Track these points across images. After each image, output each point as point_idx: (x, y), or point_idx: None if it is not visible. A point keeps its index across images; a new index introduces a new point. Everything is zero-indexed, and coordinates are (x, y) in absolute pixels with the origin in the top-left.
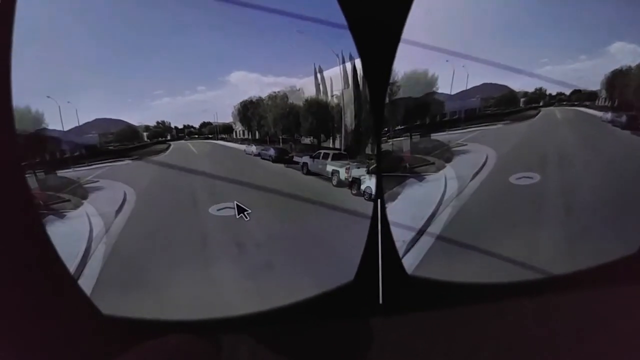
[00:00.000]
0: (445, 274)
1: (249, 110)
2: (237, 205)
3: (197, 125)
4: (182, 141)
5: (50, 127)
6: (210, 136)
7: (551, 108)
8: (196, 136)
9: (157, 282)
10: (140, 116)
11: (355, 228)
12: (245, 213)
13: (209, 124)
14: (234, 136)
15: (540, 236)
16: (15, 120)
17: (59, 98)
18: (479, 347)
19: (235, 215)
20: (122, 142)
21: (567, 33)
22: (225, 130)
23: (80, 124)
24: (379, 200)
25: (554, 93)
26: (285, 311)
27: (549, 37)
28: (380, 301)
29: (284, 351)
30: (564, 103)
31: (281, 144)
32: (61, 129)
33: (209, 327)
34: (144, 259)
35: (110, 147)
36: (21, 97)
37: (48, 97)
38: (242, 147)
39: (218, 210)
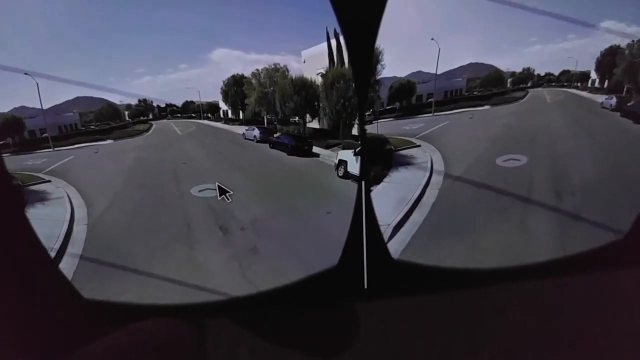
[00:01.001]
0: (432, 258)
1: (232, 89)
2: (218, 186)
3: (179, 104)
4: (165, 120)
5: (29, 105)
6: (193, 115)
7: (539, 89)
8: (179, 115)
9: (139, 265)
10: (122, 95)
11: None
12: (227, 195)
13: (192, 102)
14: (221, 115)
15: (529, 221)
16: None
17: (37, 75)
18: (466, 333)
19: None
20: (103, 122)
21: (555, 11)
22: (210, 110)
23: (61, 102)
24: (362, 183)
25: (542, 73)
26: (268, 295)
27: (537, 15)
28: (365, 286)
29: (266, 336)
30: (553, 84)
31: (265, 124)
32: (40, 107)
33: (191, 311)
34: (126, 242)
35: (91, 126)
36: None
37: (26, 74)
38: (230, 127)
39: (199, 191)
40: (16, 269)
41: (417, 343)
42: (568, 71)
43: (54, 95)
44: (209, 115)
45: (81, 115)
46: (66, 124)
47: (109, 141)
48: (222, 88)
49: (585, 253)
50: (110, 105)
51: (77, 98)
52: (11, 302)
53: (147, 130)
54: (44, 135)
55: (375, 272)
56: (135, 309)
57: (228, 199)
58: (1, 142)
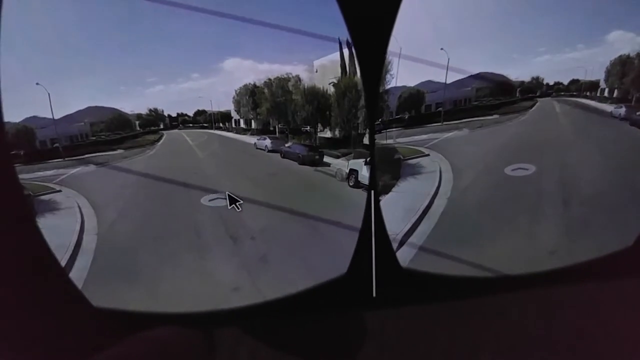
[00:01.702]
0: (440, 267)
1: (244, 98)
2: (228, 195)
3: (191, 114)
4: (176, 130)
5: (40, 115)
6: (205, 125)
7: (548, 99)
8: (190, 125)
9: (149, 274)
10: (133, 104)
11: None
12: (237, 204)
13: (204, 112)
14: (233, 125)
15: (536, 229)
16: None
17: (49, 86)
18: (474, 342)
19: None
20: (113, 131)
21: (565, 20)
22: (222, 119)
23: (72, 111)
24: (372, 192)
25: (551, 82)
26: (277, 304)
27: (547, 24)
28: (374, 294)
29: (276, 345)
30: (562, 93)
31: (277, 133)
32: (51, 117)
33: (200, 320)
34: (135, 251)
35: (102, 136)
36: (9, 84)
37: (37, 84)
38: (242, 137)
39: (210, 200)
40: (26, 277)
41: (424, 351)
42: (577, 80)
43: (65, 105)
44: (221, 124)
45: (92, 125)
46: (77, 134)
47: (119, 151)
48: (234, 97)
49: (590, 261)
50: (122, 115)
51: (88, 108)
52: (21, 311)
53: (158, 140)
54: (54, 145)
55: (383, 281)
56: (144, 317)
57: (238, 208)
58: (13, 152)
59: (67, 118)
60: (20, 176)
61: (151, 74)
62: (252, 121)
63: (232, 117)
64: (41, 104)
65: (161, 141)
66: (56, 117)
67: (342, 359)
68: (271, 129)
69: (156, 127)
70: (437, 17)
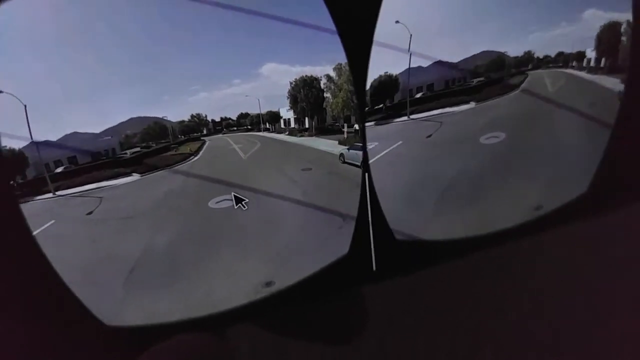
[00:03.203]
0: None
1: (301, 92)
2: (234, 196)
3: (234, 117)
4: (220, 135)
5: (81, 130)
6: (249, 127)
7: (539, 71)
8: (234, 128)
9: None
10: (177, 112)
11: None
12: (243, 202)
13: (247, 114)
14: (282, 125)
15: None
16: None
17: (92, 99)
18: (474, 342)
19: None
20: (147, 142)
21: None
22: (270, 119)
23: (115, 124)
24: (366, 174)
25: (541, 56)
26: (285, 294)
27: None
28: (374, 268)
29: (285, 333)
30: (550, 65)
31: (313, 130)
32: (94, 131)
33: (210, 322)
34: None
35: (137, 147)
36: (50, 100)
37: (79, 100)
38: (302, 141)
39: (216, 202)
40: (29, 299)
41: (427, 318)
42: (563, 52)
43: (108, 118)
44: (268, 126)
45: (127, 137)
46: (101, 149)
47: (134, 176)
48: (289, 91)
49: (557, 209)
50: (157, 122)
51: (131, 119)
52: (26, 336)
53: (197, 152)
54: (57, 170)
55: (381, 255)
56: (155, 330)
57: (244, 207)
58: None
59: (110, 131)
60: None
61: (195, 83)
62: (307, 119)
63: (280, 117)
64: (84, 119)
65: (199, 154)
66: (98, 130)
67: (349, 338)
68: (334, 126)
69: (198, 134)
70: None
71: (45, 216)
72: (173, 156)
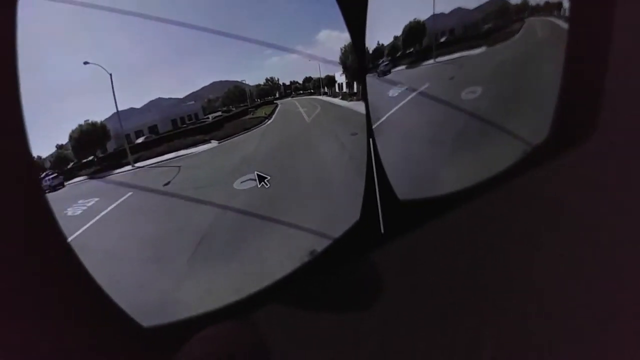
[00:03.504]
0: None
1: (349, 58)
2: (257, 175)
3: (300, 81)
4: (289, 99)
5: (166, 96)
6: (312, 90)
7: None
8: (301, 92)
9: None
10: (253, 76)
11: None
12: (265, 180)
13: (311, 78)
14: (337, 89)
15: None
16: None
17: (175, 64)
18: (474, 342)
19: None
20: (228, 105)
21: None
22: (328, 83)
23: (198, 88)
24: (370, 140)
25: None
26: (307, 268)
27: None
28: (382, 231)
29: (309, 306)
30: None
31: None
32: (178, 96)
33: (237, 309)
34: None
35: (219, 112)
36: (134, 68)
37: (163, 66)
38: (352, 105)
39: (242, 182)
40: (63, 306)
41: (437, 273)
42: None
43: (191, 83)
44: (326, 90)
45: (210, 101)
46: (184, 115)
47: (212, 143)
48: (340, 57)
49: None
50: (237, 86)
51: (213, 83)
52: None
53: (270, 116)
54: (137, 140)
55: (388, 217)
56: (187, 324)
57: (267, 184)
58: (85, 161)
59: (193, 95)
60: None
61: (266, 47)
62: (354, 84)
63: (335, 81)
64: (167, 86)
65: (272, 118)
66: (182, 95)
67: (368, 302)
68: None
69: (272, 97)
70: None
71: (122, 189)
72: (250, 120)
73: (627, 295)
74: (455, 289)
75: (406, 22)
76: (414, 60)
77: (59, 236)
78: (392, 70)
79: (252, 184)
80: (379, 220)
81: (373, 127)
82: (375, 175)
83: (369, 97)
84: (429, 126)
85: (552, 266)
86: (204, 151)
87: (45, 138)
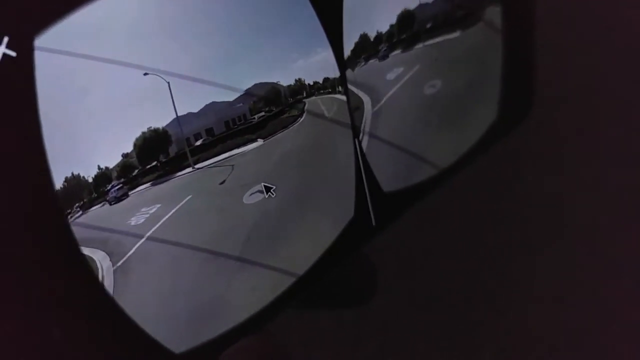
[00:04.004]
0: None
1: None
2: (264, 186)
3: (321, 81)
4: (313, 97)
5: (218, 99)
6: (330, 90)
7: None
8: (322, 91)
9: None
10: (285, 77)
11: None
12: (272, 190)
13: (328, 79)
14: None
15: None
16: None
17: (221, 69)
18: (474, 342)
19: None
20: (269, 105)
21: None
22: (341, 83)
23: (243, 92)
24: (356, 140)
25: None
26: (311, 273)
27: None
28: (374, 223)
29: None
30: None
31: None
32: (227, 99)
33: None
34: None
35: (254, 118)
36: (186, 75)
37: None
38: None
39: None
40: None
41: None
42: None
43: (237, 86)
44: (340, 89)
45: (254, 103)
46: (235, 116)
47: (259, 142)
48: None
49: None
50: (274, 87)
51: (255, 85)
52: None
53: (301, 114)
54: (197, 143)
55: (376, 210)
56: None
57: (273, 194)
58: (148, 167)
59: (239, 98)
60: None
61: (294, 51)
62: None
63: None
64: (218, 89)
65: (303, 116)
66: (232, 99)
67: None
68: None
69: (300, 97)
70: None
71: (183, 192)
72: (287, 118)
73: (627, 296)
74: (455, 290)
75: (398, 12)
76: (407, 45)
77: (84, 265)
78: (130, 193)
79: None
80: (370, 214)
81: (374, 109)
82: (362, 170)
83: (373, 82)
84: (418, 108)
85: (552, 266)
86: (252, 149)
87: (111, 149)
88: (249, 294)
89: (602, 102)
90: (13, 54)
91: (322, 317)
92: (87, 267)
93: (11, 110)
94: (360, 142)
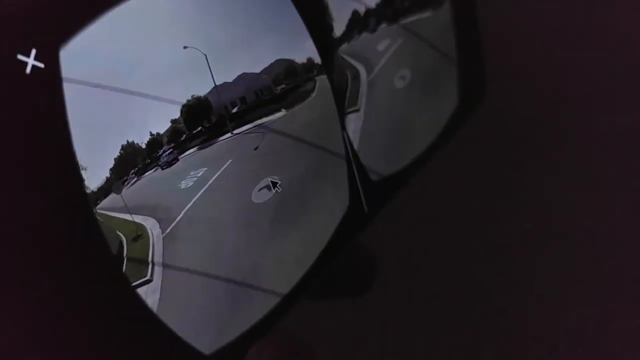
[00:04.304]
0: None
1: None
2: (271, 181)
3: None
4: (322, 75)
5: (248, 71)
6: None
7: None
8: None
9: None
10: (298, 56)
11: None
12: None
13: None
14: None
15: None
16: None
17: (248, 44)
18: (474, 342)
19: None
20: (288, 79)
21: None
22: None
23: (267, 65)
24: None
25: None
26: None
27: None
28: (366, 210)
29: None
30: None
31: None
32: (256, 71)
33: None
34: None
35: (277, 89)
36: (220, 49)
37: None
38: None
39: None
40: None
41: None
42: None
43: (262, 60)
44: None
45: (277, 75)
46: (262, 87)
47: (282, 112)
48: None
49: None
50: (291, 63)
51: (277, 60)
52: None
53: (312, 90)
54: (233, 110)
55: (367, 197)
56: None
57: (279, 189)
58: (194, 132)
59: (264, 71)
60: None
61: (304, 32)
62: None
63: None
64: (246, 63)
65: (315, 91)
66: (253, 71)
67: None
68: None
69: (311, 74)
70: None
71: (226, 156)
72: (303, 92)
73: (627, 296)
74: (455, 290)
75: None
76: (206, 139)
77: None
78: (180, 157)
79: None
80: (362, 202)
81: (369, 78)
82: (352, 159)
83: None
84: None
85: (552, 266)
86: (278, 118)
87: (161, 116)
88: (276, 267)
89: (602, 102)
90: (41, 65)
91: (322, 317)
92: (120, 274)
93: (45, 117)
94: (348, 135)
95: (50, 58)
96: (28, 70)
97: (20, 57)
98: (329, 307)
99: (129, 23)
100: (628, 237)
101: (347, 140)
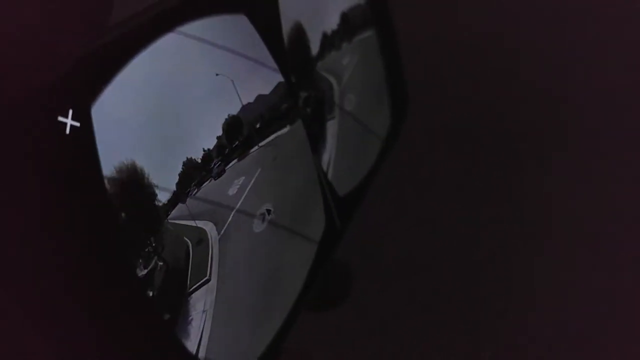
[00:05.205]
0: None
1: None
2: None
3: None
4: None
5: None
6: None
7: None
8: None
9: None
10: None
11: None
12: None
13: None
14: None
15: None
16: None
17: (257, 72)
18: (474, 342)
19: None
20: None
21: None
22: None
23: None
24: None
25: None
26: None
27: None
28: (339, 227)
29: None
30: None
31: None
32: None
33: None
34: None
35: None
36: (239, 75)
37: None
38: None
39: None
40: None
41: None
42: None
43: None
44: None
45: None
46: (271, 106)
47: (288, 127)
48: None
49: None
50: (285, 87)
51: (279, 83)
52: None
53: (304, 108)
54: (257, 126)
55: (337, 213)
56: None
57: (271, 214)
58: (234, 145)
59: (275, 90)
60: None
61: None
62: None
63: None
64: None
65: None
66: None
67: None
68: None
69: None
70: None
71: (256, 166)
72: (299, 112)
73: (627, 296)
74: (455, 290)
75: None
76: (241, 152)
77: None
78: (226, 168)
79: None
80: (334, 220)
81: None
82: (324, 181)
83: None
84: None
85: (552, 266)
86: (286, 132)
87: (208, 133)
88: (295, 268)
89: (601, 102)
90: (77, 124)
91: (322, 317)
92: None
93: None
94: (314, 143)
95: (83, 116)
96: (67, 130)
97: (60, 118)
98: (328, 309)
99: (157, 66)
100: (628, 237)
101: (319, 165)
